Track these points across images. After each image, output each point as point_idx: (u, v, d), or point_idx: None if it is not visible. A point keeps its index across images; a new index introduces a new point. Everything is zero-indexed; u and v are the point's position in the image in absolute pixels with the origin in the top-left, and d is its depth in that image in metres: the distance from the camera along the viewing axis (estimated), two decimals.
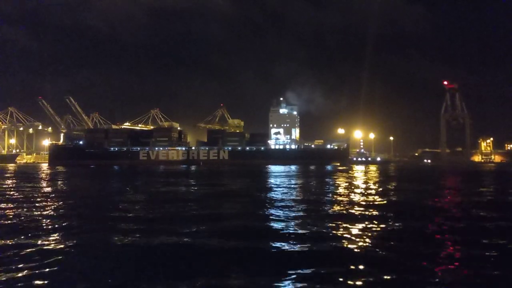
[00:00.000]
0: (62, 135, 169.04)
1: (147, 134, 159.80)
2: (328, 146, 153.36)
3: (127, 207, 23.34)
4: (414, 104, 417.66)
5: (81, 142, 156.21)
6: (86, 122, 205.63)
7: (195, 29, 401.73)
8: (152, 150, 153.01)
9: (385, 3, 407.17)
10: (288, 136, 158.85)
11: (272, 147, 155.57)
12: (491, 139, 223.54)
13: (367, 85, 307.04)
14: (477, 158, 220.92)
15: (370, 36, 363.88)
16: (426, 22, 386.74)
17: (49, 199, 27.04)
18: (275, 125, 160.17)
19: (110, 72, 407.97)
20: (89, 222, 18.31)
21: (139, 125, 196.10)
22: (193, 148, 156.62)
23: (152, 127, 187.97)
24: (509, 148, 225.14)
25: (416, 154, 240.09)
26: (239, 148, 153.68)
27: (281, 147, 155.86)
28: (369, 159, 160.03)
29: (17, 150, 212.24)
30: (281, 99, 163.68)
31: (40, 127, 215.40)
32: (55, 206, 23.96)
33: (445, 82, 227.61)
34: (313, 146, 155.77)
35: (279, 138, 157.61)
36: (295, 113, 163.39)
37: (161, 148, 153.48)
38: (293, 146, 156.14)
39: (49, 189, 37.45)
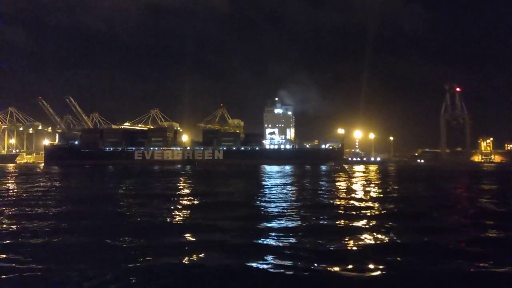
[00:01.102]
0: (57, 135, 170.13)
1: (142, 134, 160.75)
2: (323, 146, 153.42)
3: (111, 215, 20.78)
4: (414, 104, 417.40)
5: (76, 142, 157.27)
6: (86, 122, 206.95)
7: (193, 29, 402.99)
8: (147, 150, 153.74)
9: (384, 3, 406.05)
10: (283, 136, 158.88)
11: (267, 147, 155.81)
12: (491, 139, 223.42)
13: (367, 85, 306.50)
14: (477, 158, 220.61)
15: (370, 36, 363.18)
16: (425, 22, 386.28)
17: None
18: (270, 125, 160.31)
19: (110, 72, 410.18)
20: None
21: (139, 125, 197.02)
22: (188, 148, 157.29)
23: (152, 127, 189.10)
24: (509, 148, 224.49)
25: (416, 154, 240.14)
26: (234, 148, 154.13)
27: (276, 147, 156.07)
28: (365, 159, 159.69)
29: (17, 150, 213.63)
30: (276, 99, 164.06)
31: (40, 127, 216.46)
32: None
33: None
34: (307, 146, 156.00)
35: (274, 138, 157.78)
36: (290, 113, 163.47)
37: (156, 148, 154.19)
38: (287, 146, 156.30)
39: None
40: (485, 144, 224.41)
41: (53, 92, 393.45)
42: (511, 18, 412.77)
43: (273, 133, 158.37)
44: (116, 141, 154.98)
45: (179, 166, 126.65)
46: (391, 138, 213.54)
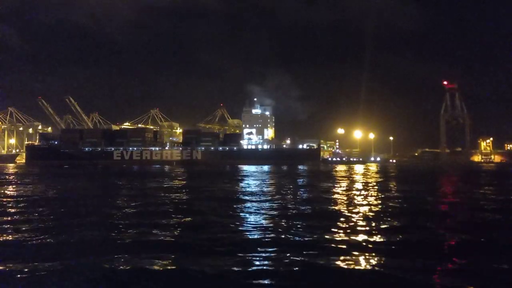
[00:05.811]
0: (38, 135, 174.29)
1: (122, 134, 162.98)
2: (300, 146, 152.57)
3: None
4: (414, 104, 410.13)
5: (56, 142, 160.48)
6: (86, 122, 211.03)
7: (190, 29, 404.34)
8: (126, 150, 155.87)
9: (382, 2, 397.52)
10: (261, 136, 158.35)
11: (245, 147, 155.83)
12: (491, 139, 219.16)
13: (366, 84, 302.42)
14: (477, 158, 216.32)
15: (367, 35, 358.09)
16: (423, 21, 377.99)
17: None
18: (247, 126, 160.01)
19: (110, 72, 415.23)
20: None
21: (139, 125, 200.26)
22: (166, 148, 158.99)
23: (151, 126, 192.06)
24: (509, 148, 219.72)
25: (416, 154, 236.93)
26: (212, 148, 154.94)
27: (254, 147, 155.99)
28: (344, 159, 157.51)
29: (17, 150, 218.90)
30: (255, 99, 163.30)
31: (40, 127, 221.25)
32: None
33: (445, 82, 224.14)
34: (284, 146, 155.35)
35: (252, 138, 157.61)
36: (268, 113, 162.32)
37: (135, 148, 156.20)
38: (265, 146, 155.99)
39: None
40: (485, 144, 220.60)
41: (53, 92, 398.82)
42: (510, 18, 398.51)
43: (250, 133, 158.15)
44: (95, 141, 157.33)
45: (157, 166, 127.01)
46: (391, 138, 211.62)
